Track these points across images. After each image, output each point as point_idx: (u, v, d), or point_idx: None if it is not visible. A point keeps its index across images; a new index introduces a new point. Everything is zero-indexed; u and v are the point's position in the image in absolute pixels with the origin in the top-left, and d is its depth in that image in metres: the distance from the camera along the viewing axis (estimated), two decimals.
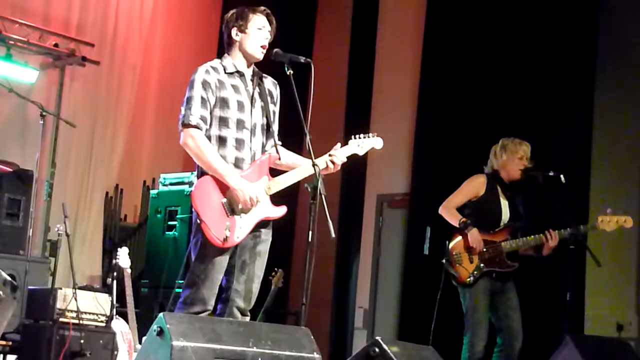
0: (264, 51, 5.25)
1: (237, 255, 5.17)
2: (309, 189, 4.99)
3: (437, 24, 9.97)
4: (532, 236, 6.90)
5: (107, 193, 10.66)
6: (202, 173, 5.17)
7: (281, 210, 5.24)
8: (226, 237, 4.99)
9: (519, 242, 6.93)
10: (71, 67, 10.15)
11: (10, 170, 7.90)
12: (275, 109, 5.41)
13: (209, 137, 5.13)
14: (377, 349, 4.82)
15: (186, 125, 5.08)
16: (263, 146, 5.31)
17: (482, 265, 6.94)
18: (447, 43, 9.74)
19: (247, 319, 5.19)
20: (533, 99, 8.82)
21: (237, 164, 5.16)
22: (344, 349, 10.30)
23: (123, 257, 6.96)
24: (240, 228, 5.07)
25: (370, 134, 5.41)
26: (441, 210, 7.17)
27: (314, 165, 5.01)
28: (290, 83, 5.09)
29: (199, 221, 5.03)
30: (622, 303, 8.48)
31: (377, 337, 4.87)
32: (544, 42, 8.86)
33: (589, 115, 8.51)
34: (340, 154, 5.28)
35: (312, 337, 4.57)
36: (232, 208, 5.07)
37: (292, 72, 5.13)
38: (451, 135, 9.44)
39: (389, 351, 4.78)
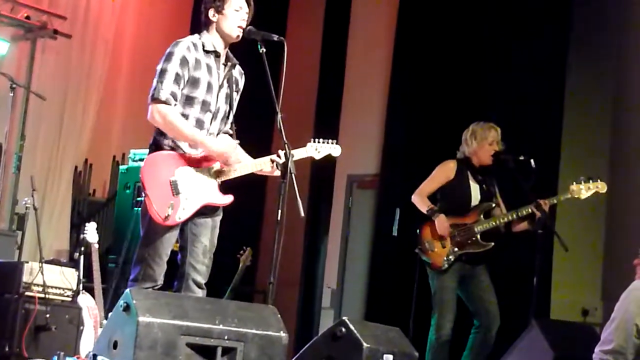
0: (241, 32, 5.22)
1: (189, 230, 5.17)
2: (279, 168, 4.98)
3: (410, 6, 9.96)
4: (502, 214, 6.98)
5: (76, 167, 10.60)
6: (154, 148, 5.16)
7: (227, 199, 5.22)
8: (167, 215, 4.98)
9: (491, 222, 6.98)
10: (42, 39, 10.06)
11: None
12: (237, 97, 5.40)
13: None
14: (343, 329, 4.84)
15: (155, 99, 5.04)
16: (219, 132, 5.30)
17: (455, 249, 6.97)
18: (420, 24, 9.74)
19: (205, 292, 5.20)
20: (504, 81, 8.84)
21: (192, 144, 5.15)
22: (311, 328, 10.33)
23: (91, 232, 6.92)
24: (184, 209, 5.05)
25: (331, 141, 5.36)
26: (413, 199, 7.20)
27: (285, 144, 5.00)
28: (263, 61, 5.08)
29: (143, 195, 5.02)
30: (587, 288, 8.55)
31: (344, 317, 4.89)
32: (515, 24, 8.89)
33: (560, 98, 8.55)
34: (295, 155, 5.22)
35: (279, 315, 4.57)
36: (179, 188, 5.05)
37: (264, 50, 5.11)
38: (422, 117, 9.46)
39: (355, 331, 4.80)
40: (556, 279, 8.22)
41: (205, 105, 5.16)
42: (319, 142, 5.35)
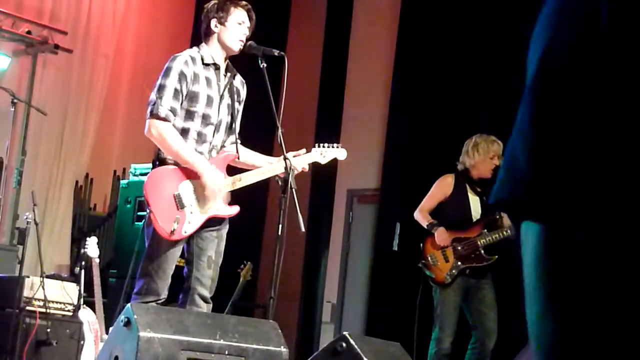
0: (242, 45, 5.23)
1: (195, 244, 5.17)
2: (280, 183, 4.99)
3: (411, 18, 9.99)
4: (506, 227, 6.95)
5: (77, 182, 10.62)
6: (157, 164, 5.16)
7: (233, 210, 5.23)
8: (173, 230, 4.98)
9: (494, 235, 6.97)
10: (43, 54, 10.10)
11: None
12: (239, 107, 5.41)
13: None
14: (344, 344, 4.83)
15: (154, 115, 5.05)
16: (223, 143, 5.31)
17: (458, 263, 6.97)
18: (420, 40, 9.76)
19: (210, 306, 5.20)
20: (505, 91, 8.83)
21: (184, 164, 5.14)
22: (311, 343, 10.32)
23: (92, 247, 6.92)
24: (189, 223, 5.05)
25: (336, 145, 5.38)
26: (415, 215, 7.22)
27: (285, 159, 5.01)
28: (264, 76, 5.09)
29: (148, 211, 5.02)
30: None
31: (345, 332, 4.88)
32: (516, 36, 8.87)
33: None
34: (301, 161, 5.25)
35: (280, 330, 4.57)
36: (183, 202, 5.06)
37: (265, 65, 5.13)
38: (423, 132, 9.47)
39: (356, 347, 4.80)
40: None
41: (205, 119, 5.16)
42: (323, 146, 5.35)
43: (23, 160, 9.03)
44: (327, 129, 10.63)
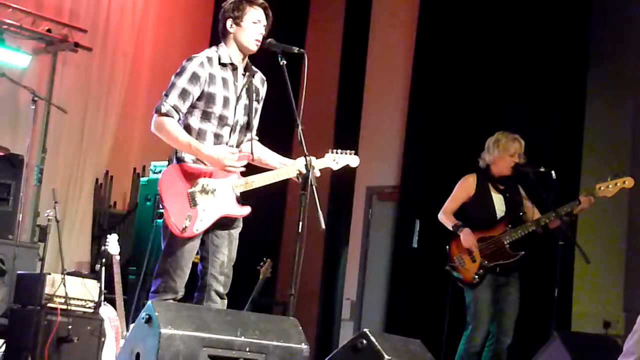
0: (259, 44, 5.23)
1: (210, 241, 5.19)
2: (300, 180, 4.98)
3: (430, 15, 9.97)
4: (530, 222, 6.94)
5: (97, 179, 10.64)
6: (174, 161, 5.18)
7: (245, 210, 5.21)
8: (185, 226, 5.00)
9: (519, 231, 6.95)
10: (63, 52, 10.12)
11: (1, 154, 7.90)
12: (258, 106, 5.40)
13: (187, 128, 5.13)
14: (364, 341, 4.82)
15: (157, 111, 5.08)
16: (240, 143, 5.31)
17: (485, 262, 6.96)
18: (439, 36, 9.74)
19: (226, 302, 5.22)
20: (524, 90, 8.82)
21: (189, 151, 5.15)
22: (330, 340, 10.32)
23: (112, 244, 6.96)
24: (201, 220, 5.07)
25: (349, 152, 5.35)
26: (440, 217, 7.23)
27: (305, 156, 5.00)
28: (283, 73, 5.06)
29: (161, 207, 5.05)
30: (609, 300, 8.51)
31: (365, 329, 4.87)
32: (535, 32, 8.86)
33: (581, 108, 8.52)
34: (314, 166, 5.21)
35: (300, 327, 4.57)
36: (196, 199, 5.07)
37: (285, 62, 5.12)
38: (442, 129, 9.45)
39: (376, 343, 4.79)
40: (577, 290, 8.19)
41: (222, 120, 5.17)
42: (337, 152, 5.34)
43: (43, 158, 9.05)
44: (346, 127, 10.63)
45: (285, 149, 9.44)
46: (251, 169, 5.27)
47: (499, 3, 9.20)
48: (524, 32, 8.94)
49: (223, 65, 5.21)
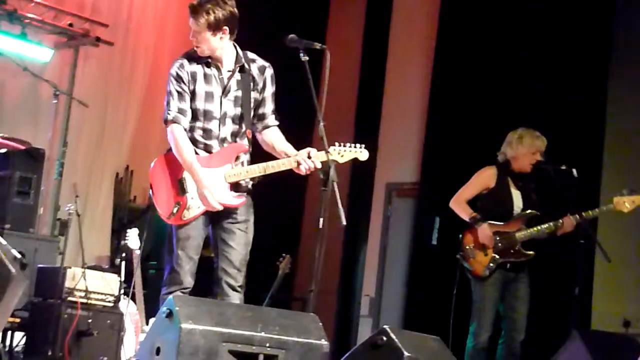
0: (195, 48, 5.45)
1: (219, 236, 5.28)
2: (321, 176, 4.98)
3: (452, 13, 9.96)
4: (547, 224, 6.91)
5: (117, 174, 10.66)
6: (170, 150, 5.31)
7: (237, 200, 5.26)
8: (172, 213, 5.11)
9: (534, 231, 6.93)
10: (85, 47, 10.14)
11: (22, 147, 7.92)
12: (260, 95, 5.41)
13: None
14: (384, 338, 4.82)
15: (166, 121, 5.26)
16: (236, 134, 5.34)
17: (497, 257, 6.94)
18: (460, 32, 9.73)
19: (241, 295, 5.27)
20: (545, 88, 8.80)
21: (207, 149, 5.28)
22: (348, 336, 10.32)
23: (133, 238, 6.98)
24: (189, 209, 5.18)
25: (358, 145, 5.32)
26: (452, 204, 7.19)
27: (327, 152, 5.00)
28: (305, 69, 5.07)
29: (150, 194, 5.20)
30: (630, 299, 8.47)
31: (385, 326, 4.87)
32: (557, 31, 8.84)
33: (602, 105, 8.48)
34: (314, 158, 5.19)
35: (320, 324, 4.58)
36: (185, 188, 5.20)
37: (307, 58, 5.12)
38: (462, 126, 9.44)
39: (396, 340, 4.79)
40: (597, 289, 8.16)
41: (207, 115, 5.28)
42: (343, 145, 5.29)
43: (64, 152, 9.07)
44: (367, 123, 10.62)
45: (304, 143, 9.48)
46: (259, 157, 5.30)
47: (521, 1, 9.17)
48: (546, 31, 8.92)
49: (205, 63, 5.34)
